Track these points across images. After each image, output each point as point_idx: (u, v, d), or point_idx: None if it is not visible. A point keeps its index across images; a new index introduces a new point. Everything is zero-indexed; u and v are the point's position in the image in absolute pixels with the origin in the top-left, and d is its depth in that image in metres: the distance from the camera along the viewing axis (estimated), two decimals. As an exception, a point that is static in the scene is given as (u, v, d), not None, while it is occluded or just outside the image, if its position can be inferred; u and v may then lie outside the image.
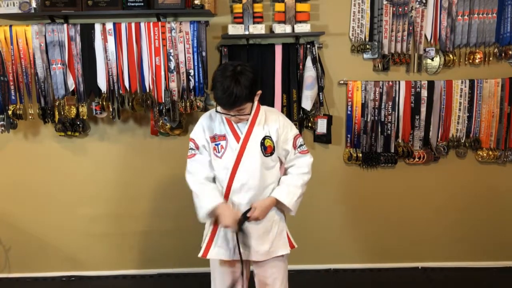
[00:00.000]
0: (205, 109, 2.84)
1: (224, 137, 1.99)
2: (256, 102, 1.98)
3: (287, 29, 2.81)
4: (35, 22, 2.80)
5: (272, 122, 2.02)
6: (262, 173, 1.98)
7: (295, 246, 2.12)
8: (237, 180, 1.97)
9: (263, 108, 2.06)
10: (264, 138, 1.99)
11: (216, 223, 2.03)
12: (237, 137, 1.99)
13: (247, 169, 1.96)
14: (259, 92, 1.96)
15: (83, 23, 2.77)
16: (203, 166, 2.02)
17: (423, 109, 3.01)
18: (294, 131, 2.08)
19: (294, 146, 2.05)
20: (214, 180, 2.04)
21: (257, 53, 2.90)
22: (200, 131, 2.04)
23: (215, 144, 2.00)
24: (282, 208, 2.06)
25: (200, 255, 2.06)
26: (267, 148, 1.99)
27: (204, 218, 2.02)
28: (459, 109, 3.03)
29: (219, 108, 1.94)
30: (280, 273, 2.10)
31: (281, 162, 2.09)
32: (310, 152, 2.11)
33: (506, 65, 3.03)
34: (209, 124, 2.03)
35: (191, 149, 2.05)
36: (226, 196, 1.99)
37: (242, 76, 1.83)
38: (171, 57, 2.76)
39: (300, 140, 2.07)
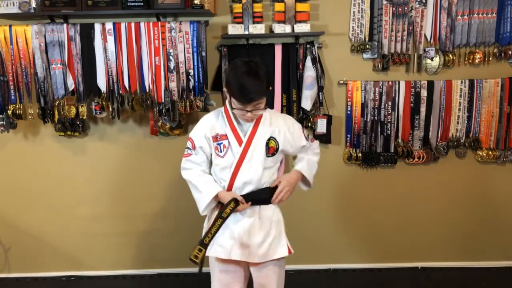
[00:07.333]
0: (205, 109, 2.84)
1: (225, 136, 2.00)
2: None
3: (287, 29, 2.81)
4: (34, 22, 2.80)
5: (279, 124, 2.05)
6: (262, 172, 1.99)
7: (292, 252, 2.09)
8: (240, 178, 1.98)
9: (267, 109, 2.07)
10: (269, 139, 2.01)
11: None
12: (237, 137, 1.99)
13: (250, 167, 1.97)
14: (270, 88, 1.99)
15: (83, 23, 2.77)
16: (198, 165, 2.04)
17: (423, 109, 3.01)
18: (297, 125, 2.13)
19: (307, 139, 2.15)
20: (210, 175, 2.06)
21: (257, 53, 2.90)
22: (201, 131, 2.03)
23: (217, 144, 2.01)
24: (301, 183, 2.19)
25: None
26: (270, 149, 2.01)
27: (205, 209, 2.01)
28: (459, 109, 3.03)
29: (234, 105, 1.93)
30: (276, 276, 2.08)
31: (280, 163, 2.11)
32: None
33: (506, 65, 3.03)
34: (212, 123, 2.04)
35: (188, 148, 2.05)
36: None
37: (258, 70, 1.87)
38: (170, 57, 2.76)
39: (305, 132, 2.17)
